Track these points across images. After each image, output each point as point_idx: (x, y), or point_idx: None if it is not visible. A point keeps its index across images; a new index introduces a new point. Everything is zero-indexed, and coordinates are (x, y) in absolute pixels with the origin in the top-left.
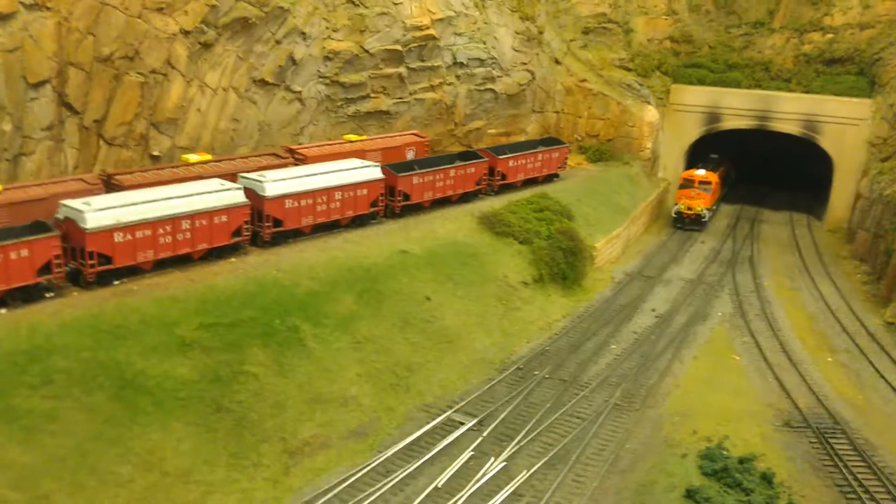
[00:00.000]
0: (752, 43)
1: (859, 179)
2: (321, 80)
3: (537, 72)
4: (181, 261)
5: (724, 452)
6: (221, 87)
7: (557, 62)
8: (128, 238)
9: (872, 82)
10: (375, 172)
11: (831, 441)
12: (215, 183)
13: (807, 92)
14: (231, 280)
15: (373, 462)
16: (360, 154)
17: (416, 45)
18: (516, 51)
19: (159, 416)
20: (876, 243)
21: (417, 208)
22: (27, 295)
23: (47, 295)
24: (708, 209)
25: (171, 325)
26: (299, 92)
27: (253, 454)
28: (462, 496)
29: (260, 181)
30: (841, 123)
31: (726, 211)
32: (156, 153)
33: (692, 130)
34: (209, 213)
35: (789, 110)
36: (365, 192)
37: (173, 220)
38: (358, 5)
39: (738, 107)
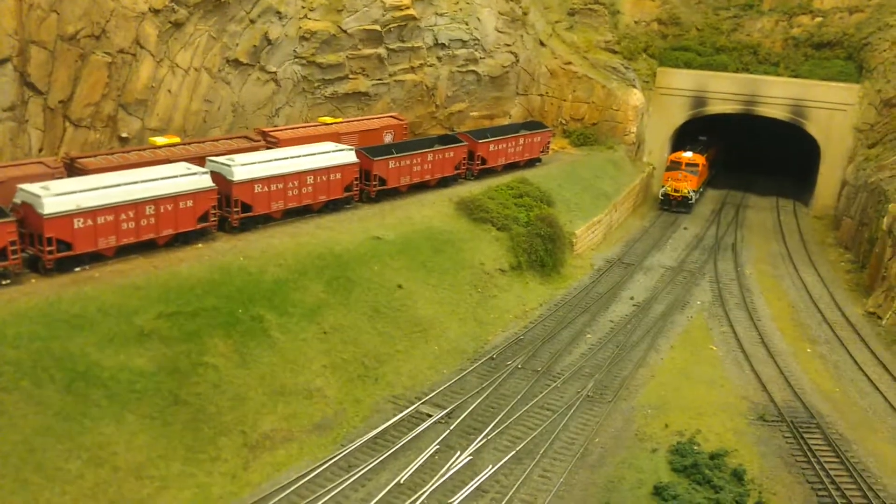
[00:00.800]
0: (741, 26)
1: (846, 166)
2: (297, 60)
3: (521, 54)
4: (145, 247)
5: (696, 447)
6: (193, 68)
7: (542, 44)
8: (88, 224)
9: (860, 67)
10: (349, 156)
11: (805, 436)
12: (181, 167)
13: (795, 76)
14: (195, 267)
15: (335, 456)
16: (336, 137)
17: (395, 25)
18: (500, 32)
19: (113, 409)
20: (860, 231)
21: (394, 193)
22: None
23: (3, 282)
24: (695, 191)
25: (130, 314)
26: (274, 72)
27: (211, 448)
28: (424, 492)
29: (228, 165)
30: (828, 109)
31: (712, 196)
32: (125, 135)
33: (678, 115)
34: (174, 198)
35: (777, 95)
36: (338, 176)
37: (136, 205)
38: None
39: (725, 91)
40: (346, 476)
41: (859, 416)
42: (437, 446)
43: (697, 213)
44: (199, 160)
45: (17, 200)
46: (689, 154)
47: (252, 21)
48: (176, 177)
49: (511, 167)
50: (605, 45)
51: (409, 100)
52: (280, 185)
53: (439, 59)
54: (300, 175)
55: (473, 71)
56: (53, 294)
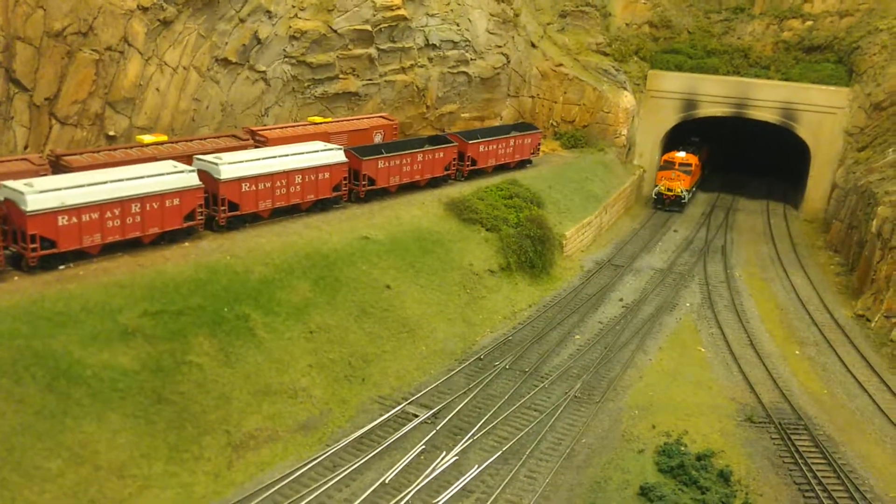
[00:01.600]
0: (732, 29)
1: (835, 169)
2: (287, 59)
3: (512, 55)
4: (131, 245)
5: (683, 448)
6: (182, 66)
7: (533, 46)
8: (73, 221)
9: (850, 71)
10: (338, 156)
11: (793, 437)
12: (168, 165)
13: (785, 79)
14: (181, 266)
15: (320, 456)
16: (325, 137)
17: (386, 25)
18: (491, 33)
19: (95, 407)
20: (850, 234)
21: (383, 193)
22: None
23: None
24: (687, 190)
25: (115, 312)
26: (264, 72)
27: (194, 447)
28: (409, 492)
29: (215, 163)
30: (818, 112)
31: (702, 199)
32: (112, 133)
33: (669, 117)
34: (160, 196)
35: (767, 98)
36: (327, 175)
37: (122, 202)
38: None
39: (716, 94)
40: (331, 476)
41: (847, 418)
42: (423, 446)
43: (687, 215)
44: (187, 158)
45: (1, 197)
46: (682, 154)
47: (241, 20)
48: (162, 175)
49: (501, 168)
50: (596, 47)
51: (399, 100)
52: (268, 184)
53: (430, 59)
54: (288, 174)
55: (464, 72)
56: (36, 292)
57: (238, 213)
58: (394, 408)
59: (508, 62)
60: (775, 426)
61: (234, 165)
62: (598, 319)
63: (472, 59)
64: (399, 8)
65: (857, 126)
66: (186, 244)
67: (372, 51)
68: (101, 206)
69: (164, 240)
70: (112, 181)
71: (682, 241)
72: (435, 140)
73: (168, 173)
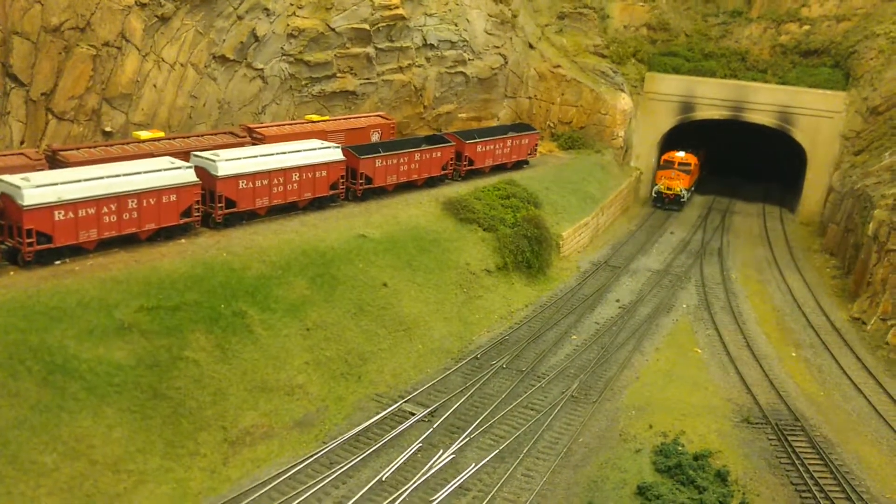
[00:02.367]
0: (729, 32)
1: (832, 172)
2: (285, 57)
3: (510, 56)
4: (127, 241)
5: (680, 448)
6: (179, 63)
7: (531, 47)
8: (69, 216)
9: (847, 75)
10: (335, 154)
11: (790, 438)
12: (165, 161)
13: (782, 83)
14: (178, 262)
15: (316, 453)
16: (323, 135)
17: (384, 24)
18: (489, 34)
19: (91, 402)
20: (846, 237)
21: (380, 192)
22: None
23: None
24: (686, 189)
25: (111, 307)
26: (261, 69)
27: (190, 443)
28: (406, 490)
29: (212, 160)
30: (815, 116)
31: (699, 202)
32: (108, 129)
33: (666, 120)
34: (157, 192)
35: (764, 101)
36: (324, 173)
37: (119, 198)
38: None
39: (713, 96)
40: (327, 473)
41: (843, 420)
42: (420, 444)
43: (684, 217)
44: (184, 155)
45: None
46: (681, 154)
47: (240, 17)
48: (159, 171)
49: (498, 169)
50: (594, 49)
51: (396, 100)
52: (265, 182)
53: (428, 59)
54: (285, 172)
55: (462, 72)
56: (32, 286)
57: (235, 210)
58: (390, 406)
59: (506, 63)
60: (772, 427)
61: (231, 162)
62: (595, 320)
63: (469, 60)
64: (397, 7)
65: (854, 130)
66: (183, 240)
67: (370, 50)
68: (98, 202)
69: (160, 236)
70: (109, 177)
71: (679, 243)
72: (432, 140)
73: (165, 169)
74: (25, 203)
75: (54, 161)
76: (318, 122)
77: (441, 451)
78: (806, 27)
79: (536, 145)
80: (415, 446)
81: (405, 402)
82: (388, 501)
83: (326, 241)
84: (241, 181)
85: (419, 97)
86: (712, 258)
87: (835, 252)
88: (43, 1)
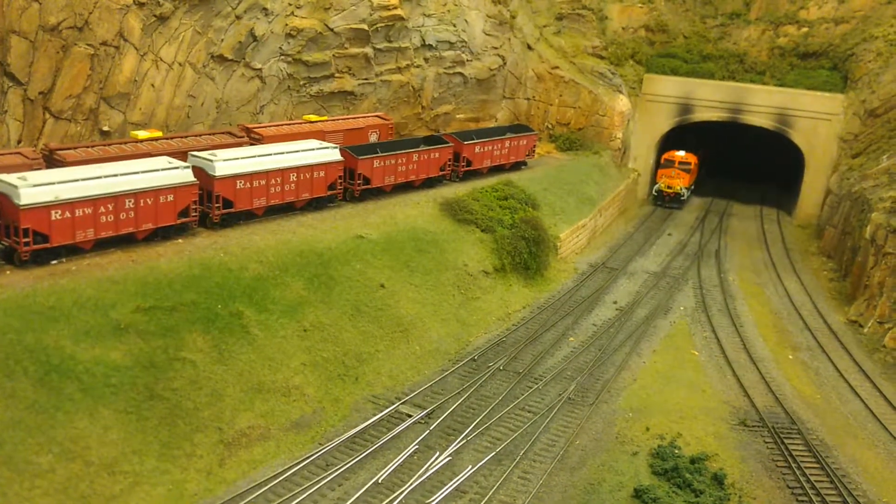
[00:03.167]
0: (728, 34)
1: (830, 175)
2: (283, 57)
3: (508, 57)
4: (124, 241)
5: (676, 451)
6: (177, 62)
7: (530, 48)
8: (66, 216)
9: (845, 78)
10: (333, 154)
11: (786, 441)
12: (162, 161)
13: (780, 85)
14: (175, 262)
15: (313, 455)
16: (321, 135)
17: (383, 24)
18: (487, 35)
19: (86, 403)
20: (843, 240)
21: (378, 193)
22: None
23: None
24: (686, 188)
25: (107, 307)
26: (260, 69)
27: (186, 444)
28: (402, 492)
29: (210, 160)
30: (813, 118)
31: (696, 203)
32: (106, 128)
33: (664, 121)
34: (154, 192)
35: (762, 103)
36: (322, 174)
37: (116, 198)
38: None
39: (711, 98)
40: (324, 475)
41: (840, 423)
42: (417, 446)
43: (682, 219)
44: (182, 155)
45: None
46: (682, 153)
47: (238, 17)
48: (157, 171)
49: (496, 170)
50: (592, 50)
51: (395, 100)
52: (262, 182)
53: (426, 60)
54: (283, 172)
55: (460, 73)
56: (29, 286)
57: (232, 210)
58: (387, 407)
59: (504, 64)
60: (769, 430)
61: (229, 162)
62: (593, 322)
63: (468, 61)
64: (396, 8)
65: (852, 132)
66: (180, 240)
67: (368, 50)
68: (95, 202)
69: (157, 236)
70: (106, 176)
71: (677, 245)
72: (430, 140)
73: (162, 169)
74: (22, 202)
75: (51, 160)
76: (317, 122)
77: (438, 454)
78: (804, 29)
79: (534, 146)
80: (411, 448)
81: (402, 403)
82: None
83: (324, 242)
84: (238, 181)
85: (417, 98)
86: (710, 260)
87: (832, 255)
88: (41, 0)
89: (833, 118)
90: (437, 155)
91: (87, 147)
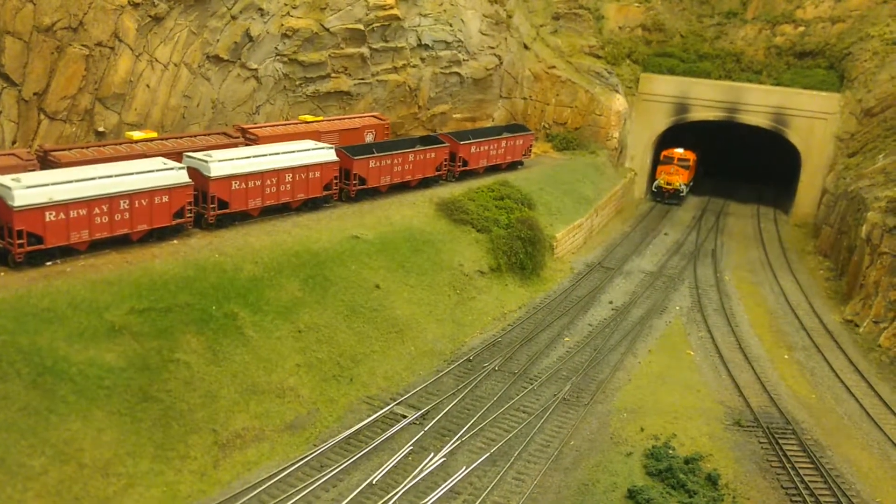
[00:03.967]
0: (724, 33)
1: (826, 174)
2: (279, 57)
3: (505, 57)
4: (119, 242)
5: (671, 451)
6: (173, 63)
7: (526, 47)
8: (60, 217)
9: (842, 77)
10: (329, 154)
11: (781, 441)
12: (157, 161)
13: (777, 85)
14: (169, 263)
15: (307, 456)
16: (316, 135)
17: (379, 24)
18: (484, 34)
19: (80, 404)
20: (839, 239)
21: (374, 193)
22: None
23: None
24: (685, 184)
25: (101, 309)
26: (255, 70)
27: (181, 446)
28: (396, 493)
29: (205, 161)
30: (810, 117)
31: (693, 203)
32: (101, 129)
33: (661, 121)
34: (149, 193)
35: (759, 102)
36: (318, 174)
37: (110, 199)
38: None
39: (708, 98)
40: (318, 476)
41: (835, 423)
42: (411, 447)
43: (678, 218)
44: (177, 156)
45: None
46: (681, 150)
47: (233, 17)
48: (152, 171)
49: (493, 170)
50: (589, 49)
51: (391, 100)
52: (258, 182)
53: (422, 59)
54: (279, 172)
55: (457, 73)
56: (23, 288)
57: (228, 210)
58: (382, 408)
59: (501, 63)
60: (763, 430)
61: (224, 163)
62: (588, 322)
63: (464, 60)
64: (392, 7)
65: (848, 132)
66: (175, 241)
67: (364, 50)
68: (90, 203)
69: (152, 237)
70: (101, 177)
71: (673, 245)
72: (426, 140)
73: (157, 170)
74: (16, 204)
75: (46, 161)
76: (312, 122)
77: (432, 454)
78: (801, 29)
79: (531, 146)
80: (406, 449)
81: (397, 404)
82: None
83: (319, 243)
84: (233, 182)
85: (414, 98)
86: (706, 260)
87: (828, 254)
88: (35, 0)
89: (829, 117)
90: (433, 155)
91: (82, 148)
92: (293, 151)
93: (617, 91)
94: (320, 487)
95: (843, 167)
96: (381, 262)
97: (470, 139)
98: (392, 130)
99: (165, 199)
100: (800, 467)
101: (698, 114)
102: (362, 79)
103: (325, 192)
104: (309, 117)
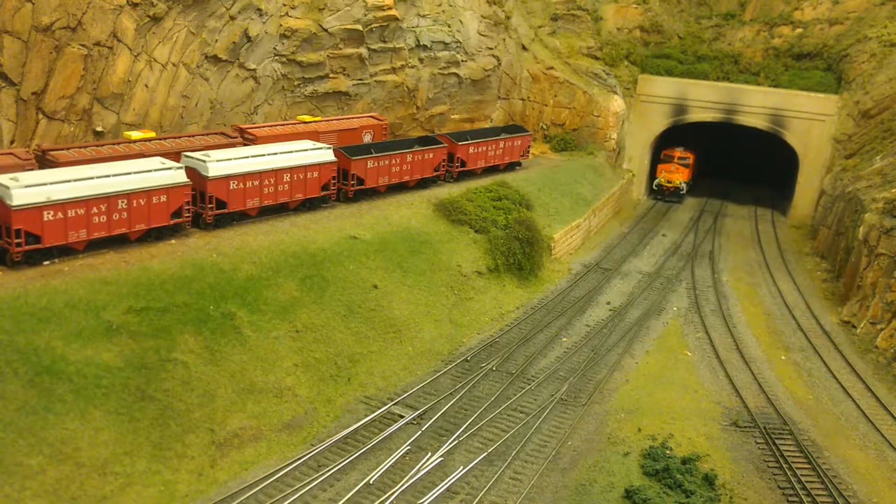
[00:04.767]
0: (722, 35)
1: (823, 176)
2: (277, 58)
3: (503, 58)
4: (117, 241)
5: (668, 452)
6: (171, 63)
7: (524, 48)
8: (58, 216)
9: (839, 78)
10: (327, 155)
11: (778, 442)
12: (156, 161)
13: (774, 86)
14: (167, 263)
15: (304, 455)
16: (315, 136)
17: (377, 25)
18: (482, 35)
19: (78, 404)
20: (837, 241)
21: (372, 193)
22: None
23: None
24: (685, 183)
25: (99, 308)
26: (254, 70)
27: (178, 445)
28: (394, 493)
29: (203, 161)
30: (807, 119)
31: (691, 204)
32: (99, 129)
33: (658, 122)
34: (147, 193)
35: (757, 104)
36: (316, 174)
37: (108, 198)
38: None
39: (706, 99)
40: (315, 475)
41: (832, 424)
42: (409, 447)
43: (676, 219)
44: (175, 155)
45: None
46: (681, 149)
47: (232, 17)
48: (150, 171)
49: (491, 170)
50: (587, 51)
51: (389, 101)
52: (256, 182)
53: (421, 60)
54: (277, 172)
55: (455, 73)
56: (20, 287)
57: (226, 210)
58: (379, 408)
59: (499, 64)
60: (760, 431)
61: (222, 163)
62: (586, 322)
63: (462, 61)
64: (390, 8)
65: (846, 133)
66: (173, 241)
67: (362, 50)
68: (88, 202)
69: (150, 237)
70: (99, 177)
71: (671, 246)
72: (425, 141)
73: (156, 170)
74: (14, 203)
75: (44, 161)
76: (311, 122)
77: (429, 454)
78: (799, 30)
79: (529, 147)
80: (403, 449)
81: (394, 404)
82: None
83: (317, 243)
84: (231, 182)
85: (412, 98)
86: (703, 261)
87: (825, 255)
88: (34, 0)
89: (827, 119)
90: (431, 155)
91: (80, 147)
92: (291, 151)
93: (615, 92)
94: (318, 487)
95: (841, 169)
96: (378, 262)
97: (468, 140)
98: (390, 131)
99: (163, 198)
100: (797, 468)
101: (696, 115)
102: (360, 79)
103: (323, 193)
104: (307, 117)
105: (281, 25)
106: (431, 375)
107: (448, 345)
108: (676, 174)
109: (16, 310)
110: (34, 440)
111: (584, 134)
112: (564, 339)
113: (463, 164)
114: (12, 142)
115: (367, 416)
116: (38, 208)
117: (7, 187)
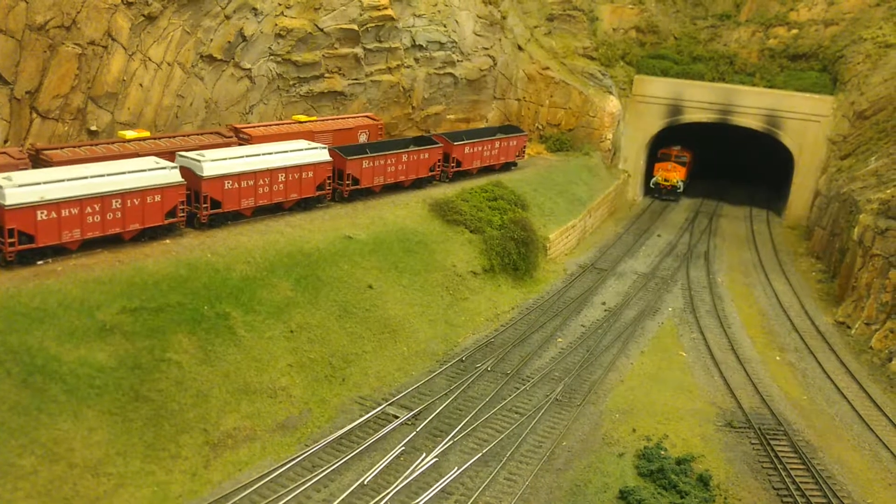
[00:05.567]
0: (718, 35)
1: (819, 176)
2: (272, 57)
3: (499, 58)
4: (111, 241)
5: (663, 452)
6: (166, 62)
7: (520, 48)
8: (52, 216)
9: (835, 79)
10: (322, 154)
11: (772, 442)
12: (150, 161)
13: (770, 87)
14: (162, 262)
15: (299, 456)
16: (310, 135)
17: (373, 25)
18: (478, 35)
19: (71, 404)
20: (832, 241)
21: (367, 193)
22: None
23: None
24: (682, 181)
25: (93, 308)
26: (249, 69)
27: (172, 445)
28: (388, 493)
29: (198, 160)
30: (803, 119)
31: (686, 204)
32: (94, 128)
33: (654, 122)
34: (142, 192)
35: (752, 104)
36: (311, 174)
37: (103, 198)
38: None
39: (701, 99)
40: (310, 476)
41: (826, 424)
42: (403, 448)
43: (672, 220)
44: (170, 155)
45: None
46: (678, 147)
47: (227, 17)
48: (144, 171)
49: (486, 170)
50: (583, 51)
51: (385, 100)
52: (251, 182)
53: (416, 60)
54: (272, 172)
55: (451, 73)
56: (13, 287)
57: (220, 210)
58: (374, 408)
59: (495, 64)
60: (755, 431)
61: (217, 163)
62: (581, 323)
63: (458, 61)
64: (386, 8)
65: (841, 134)
66: (167, 241)
67: (358, 50)
68: (81, 202)
69: (144, 236)
70: (93, 176)
71: (666, 246)
72: (420, 141)
73: (150, 169)
74: (7, 202)
75: (38, 160)
76: (306, 122)
77: (424, 455)
78: (794, 31)
79: (524, 147)
80: (398, 449)
81: (389, 404)
82: None
83: (312, 243)
84: (226, 181)
85: (407, 98)
86: (699, 261)
87: (821, 256)
88: None
89: (822, 120)
90: (426, 155)
91: (74, 147)
92: (286, 151)
93: (611, 92)
94: (312, 488)
95: (836, 169)
96: (373, 262)
97: (464, 140)
98: (386, 131)
99: (158, 198)
100: (791, 468)
101: (692, 115)
102: (356, 79)
103: (318, 193)
104: (302, 117)
105: (276, 25)
106: (426, 376)
107: (443, 345)
108: (673, 173)
109: (9, 309)
110: (27, 440)
111: (579, 134)
112: (559, 340)
113: (458, 164)
114: (6, 141)
115: (361, 416)
116: (31, 208)
117: (0, 186)
